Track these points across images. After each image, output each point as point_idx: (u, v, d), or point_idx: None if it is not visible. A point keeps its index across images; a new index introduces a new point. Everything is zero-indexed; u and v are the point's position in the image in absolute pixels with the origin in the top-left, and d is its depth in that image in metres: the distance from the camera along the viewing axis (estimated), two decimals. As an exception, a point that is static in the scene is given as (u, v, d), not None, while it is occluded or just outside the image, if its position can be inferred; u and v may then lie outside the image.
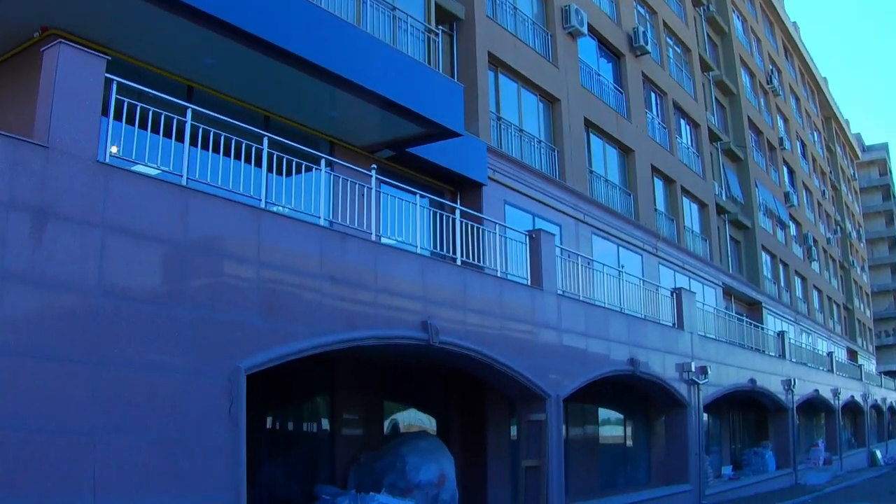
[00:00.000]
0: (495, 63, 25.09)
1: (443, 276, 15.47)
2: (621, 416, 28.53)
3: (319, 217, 13.87)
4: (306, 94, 17.17)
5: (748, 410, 39.03)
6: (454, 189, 22.68)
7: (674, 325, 24.97)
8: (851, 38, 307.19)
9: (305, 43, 15.48)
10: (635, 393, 25.13)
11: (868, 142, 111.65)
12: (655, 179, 34.60)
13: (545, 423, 17.37)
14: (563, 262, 20.83)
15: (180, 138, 11.85)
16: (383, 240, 15.30)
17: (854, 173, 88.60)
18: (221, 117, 12.50)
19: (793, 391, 36.03)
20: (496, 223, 18.19)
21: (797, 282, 55.64)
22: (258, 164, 14.32)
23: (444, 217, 17.31)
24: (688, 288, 33.54)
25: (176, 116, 11.74)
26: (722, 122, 47.19)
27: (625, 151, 32.11)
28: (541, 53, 27.56)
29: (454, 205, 19.87)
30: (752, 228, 46.84)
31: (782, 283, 52.09)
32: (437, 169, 21.36)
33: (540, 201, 25.21)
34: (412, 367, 18.96)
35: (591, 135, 29.90)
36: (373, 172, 15.29)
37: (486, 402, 20.28)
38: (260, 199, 12.65)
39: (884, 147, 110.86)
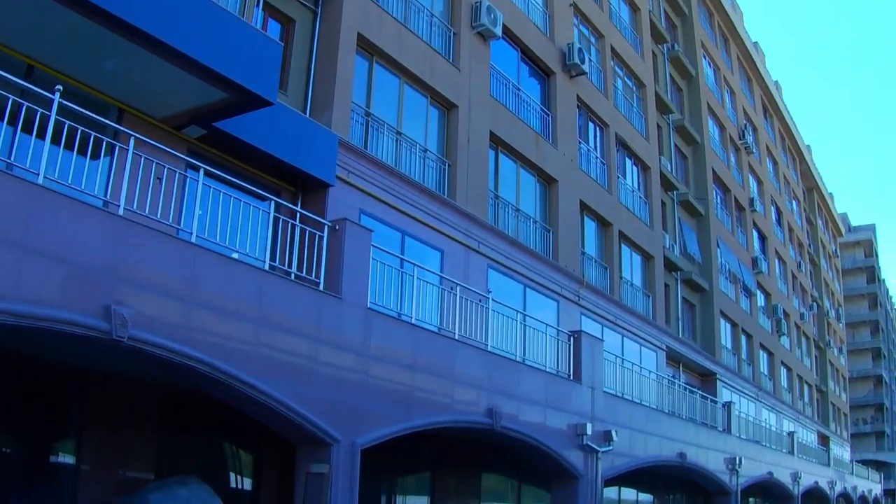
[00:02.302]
0: (370, 50, 20.83)
1: (153, 251, 10.94)
2: (514, 486, 23.65)
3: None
4: (70, 35, 12.98)
5: (695, 492, 33.99)
6: (295, 189, 18.27)
7: (569, 376, 20.24)
8: (840, 120, 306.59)
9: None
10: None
11: (854, 223, 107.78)
12: (586, 219, 30.11)
13: (327, 477, 12.66)
14: (442, 293, 17.47)
15: None
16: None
17: (836, 250, 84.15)
18: None
19: (738, 471, 31.19)
20: (294, 210, 13.49)
21: (762, 356, 50.89)
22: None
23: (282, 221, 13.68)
24: (620, 346, 29.13)
25: None
26: (682, 172, 42.91)
27: (546, 180, 27.62)
28: (438, 50, 23.28)
29: (281, 201, 15.46)
30: (709, 291, 42.23)
31: (744, 356, 47.32)
32: (269, 161, 17.14)
33: (415, 218, 20.75)
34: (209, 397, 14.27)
35: (499, 154, 25.44)
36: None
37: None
38: None
39: (870, 228, 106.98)
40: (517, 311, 18.85)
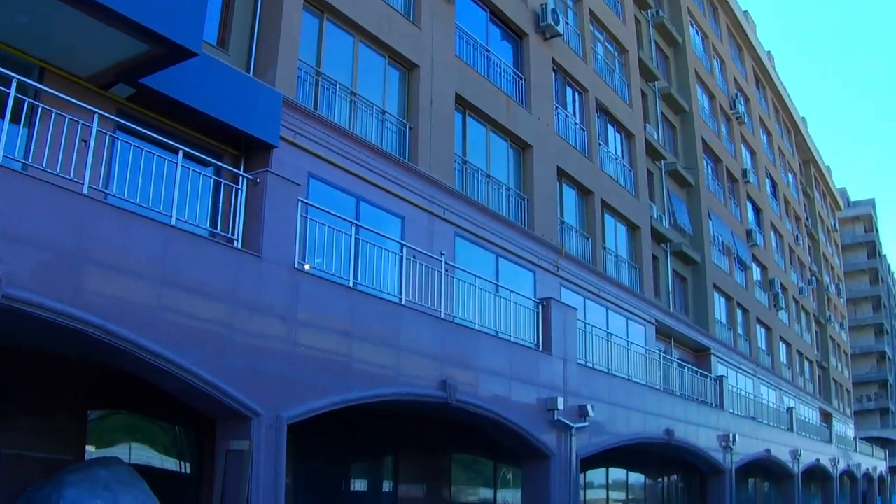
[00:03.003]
0: (319, 6, 19.60)
1: (35, 203, 9.70)
2: (489, 468, 22.32)
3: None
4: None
5: (691, 472, 32.59)
6: (238, 153, 16.99)
7: (537, 346, 18.85)
8: (836, 97, 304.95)
9: None
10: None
11: (854, 198, 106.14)
12: (565, 186, 28.69)
13: (247, 455, 11.28)
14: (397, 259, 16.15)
15: None
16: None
17: (835, 224, 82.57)
18: None
19: (732, 449, 29.80)
20: (211, 163, 12.09)
21: (760, 331, 49.44)
22: None
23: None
24: (604, 319, 27.79)
25: None
26: (670, 141, 41.45)
27: (519, 146, 26.22)
28: (396, 8, 21.90)
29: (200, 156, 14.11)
30: (701, 264, 40.77)
31: (740, 331, 45.91)
32: (208, 122, 15.88)
33: (373, 183, 19.42)
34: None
35: (466, 117, 24.05)
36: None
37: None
38: None
39: (870, 203, 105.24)
40: (475, 276, 17.36)
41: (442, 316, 15.65)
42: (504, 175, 25.33)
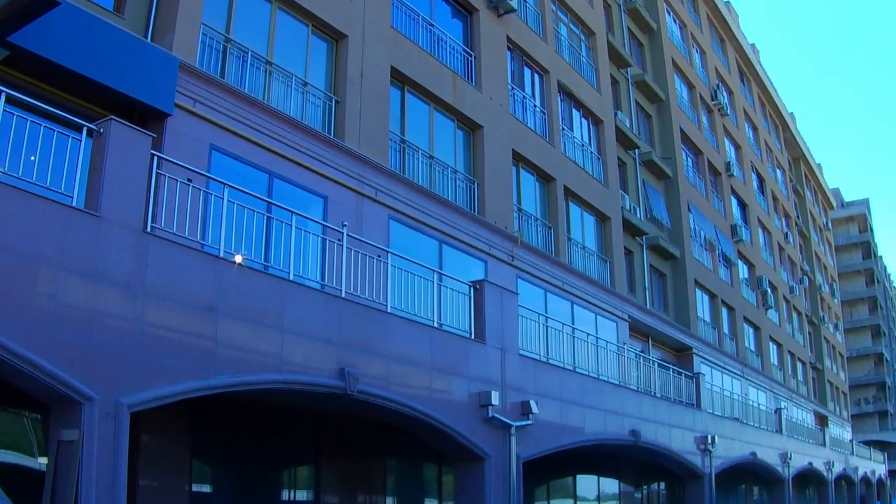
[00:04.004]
0: (224, -37, 17.59)
1: None
2: (433, 474, 20.31)
3: None
4: None
5: (674, 479, 30.50)
6: (132, 123, 15.02)
7: (469, 334, 16.86)
8: (828, 98, 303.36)
9: None
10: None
11: (847, 199, 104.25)
12: (522, 171, 26.72)
13: (77, 446, 9.31)
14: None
15: None
16: None
17: (827, 223, 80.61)
18: None
19: (710, 451, 27.75)
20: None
21: (747, 330, 47.40)
22: None
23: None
24: (569, 314, 25.84)
25: None
26: (645, 130, 39.54)
27: (468, 126, 24.29)
28: (320, -29, 19.96)
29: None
30: (681, 259, 38.77)
31: (725, 330, 43.88)
32: (95, 89, 14.15)
33: (290, 158, 17.53)
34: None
35: (405, 93, 22.13)
36: None
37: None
38: None
39: (864, 203, 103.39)
40: (387, 252, 15.39)
41: (343, 295, 13.64)
42: (450, 157, 23.40)
